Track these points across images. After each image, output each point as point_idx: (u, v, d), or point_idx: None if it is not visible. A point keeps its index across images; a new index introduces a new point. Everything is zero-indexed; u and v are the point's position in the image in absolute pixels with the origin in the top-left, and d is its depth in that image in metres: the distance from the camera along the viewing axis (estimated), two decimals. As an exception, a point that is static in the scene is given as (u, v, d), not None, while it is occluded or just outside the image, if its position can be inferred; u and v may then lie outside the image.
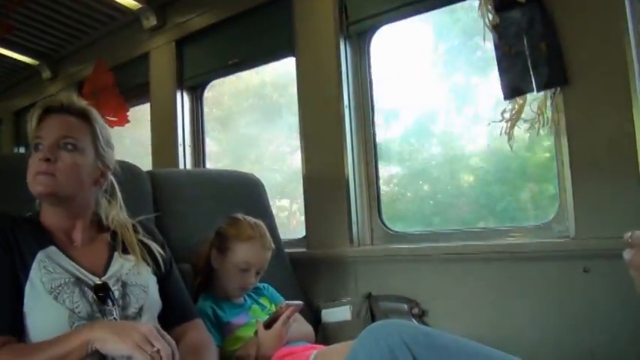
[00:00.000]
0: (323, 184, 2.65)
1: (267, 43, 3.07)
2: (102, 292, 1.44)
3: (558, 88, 1.99)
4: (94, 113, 1.57)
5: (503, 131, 2.08)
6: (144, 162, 3.37)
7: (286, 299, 2.06)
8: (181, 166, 3.42)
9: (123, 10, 3.59)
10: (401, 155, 2.79)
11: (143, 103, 3.84)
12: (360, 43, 2.68)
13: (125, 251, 1.58)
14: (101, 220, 1.62)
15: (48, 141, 1.46)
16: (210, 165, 3.57)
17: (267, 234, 2.05)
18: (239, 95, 3.77)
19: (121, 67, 3.88)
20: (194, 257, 2.08)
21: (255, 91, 3.70)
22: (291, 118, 3.17)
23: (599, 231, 1.88)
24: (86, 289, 1.42)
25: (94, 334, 1.24)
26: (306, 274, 2.60)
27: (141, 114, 3.91)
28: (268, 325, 1.88)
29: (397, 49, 2.70)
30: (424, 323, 2.23)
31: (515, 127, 2.07)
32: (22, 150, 4.77)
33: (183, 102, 3.48)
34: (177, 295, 1.70)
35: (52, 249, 1.45)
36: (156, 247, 1.66)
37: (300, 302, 2.00)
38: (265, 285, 2.17)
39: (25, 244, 1.42)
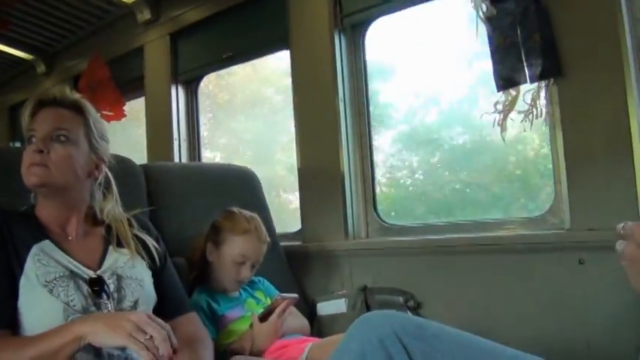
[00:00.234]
0: (318, 178, 2.65)
1: (261, 37, 3.06)
2: (97, 286, 1.44)
3: (552, 80, 1.99)
4: (88, 106, 1.58)
5: (496, 123, 2.08)
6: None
7: (281, 292, 2.06)
8: (176, 161, 3.41)
9: (117, 3, 3.59)
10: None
11: (138, 97, 3.84)
12: (355, 35, 2.68)
13: (120, 245, 1.59)
14: (96, 214, 1.62)
15: (41, 133, 1.47)
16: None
17: (263, 227, 2.06)
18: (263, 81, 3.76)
19: (115, 61, 3.87)
20: (189, 251, 2.09)
21: (276, 80, 3.66)
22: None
23: (594, 222, 1.88)
24: (81, 282, 1.42)
25: (85, 327, 1.24)
26: (301, 268, 2.60)
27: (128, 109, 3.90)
28: (263, 318, 1.89)
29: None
30: (419, 315, 2.23)
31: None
32: (17, 145, 4.75)
33: (178, 96, 3.47)
34: (172, 289, 1.71)
35: (47, 242, 1.45)
36: (150, 241, 1.67)
37: (295, 295, 2.00)
38: (260, 278, 2.17)
39: (20, 238, 1.42)
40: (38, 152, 1.44)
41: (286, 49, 2.85)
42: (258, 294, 2.11)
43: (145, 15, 3.54)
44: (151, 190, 2.18)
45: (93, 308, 1.40)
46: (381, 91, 2.78)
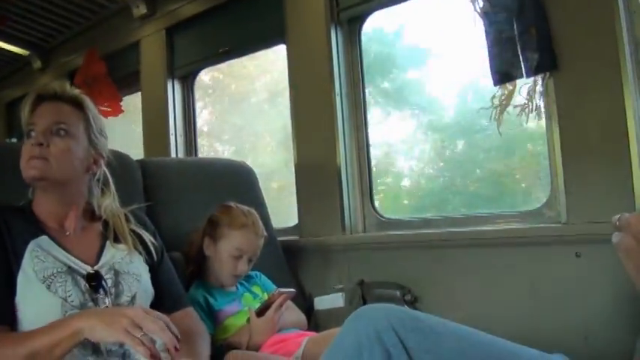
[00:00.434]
0: (315, 172, 2.65)
1: (258, 31, 3.05)
2: (94, 281, 1.45)
3: (548, 74, 1.99)
4: (87, 101, 1.58)
5: (492, 117, 2.08)
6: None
7: (278, 287, 2.06)
8: (173, 156, 3.41)
9: (113, -2, 3.57)
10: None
11: (134, 92, 3.83)
12: (351, 29, 2.67)
13: (117, 240, 1.59)
14: (93, 210, 1.62)
15: (41, 127, 1.47)
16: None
17: (260, 221, 2.06)
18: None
19: (111, 56, 3.85)
20: (186, 245, 2.09)
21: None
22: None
23: (591, 216, 1.88)
24: (78, 277, 1.43)
25: (82, 323, 1.23)
26: (298, 262, 2.61)
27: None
28: (260, 312, 1.89)
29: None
30: (416, 309, 2.23)
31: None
32: (14, 141, 4.74)
33: (174, 91, 3.47)
34: (169, 284, 1.71)
35: (44, 238, 1.46)
36: (147, 236, 1.67)
37: (292, 290, 2.01)
38: (257, 273, 2.17)
39: (17, 234, 1.42)
40: (38, 145, 1.44)
41: (283, 43, 2.84)
42: (255, 289, 2.11)
43: (141, 9, 3.51)
44: (148, 185, 2.18)
45: (90, 304, 1.41)
46: (417, 78, 2.72)
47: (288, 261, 2.53)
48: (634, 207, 1.78)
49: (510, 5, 2.01)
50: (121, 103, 3.83)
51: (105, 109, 3.67)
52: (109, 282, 1.47)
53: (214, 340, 1.81)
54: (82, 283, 1.42)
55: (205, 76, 3.79)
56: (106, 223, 1.61)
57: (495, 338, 1.16)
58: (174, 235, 2.05)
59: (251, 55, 3.37)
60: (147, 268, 1.62)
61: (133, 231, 1.65)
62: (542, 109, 2.03)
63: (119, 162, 1.79)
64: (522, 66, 1.99)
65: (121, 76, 3.82)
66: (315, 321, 2.33)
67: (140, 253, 1.62)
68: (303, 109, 2.72)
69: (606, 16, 1.85)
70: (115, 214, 1.64)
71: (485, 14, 2.07)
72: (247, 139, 3.89)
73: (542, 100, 2.02)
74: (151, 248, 1.65)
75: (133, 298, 1.50)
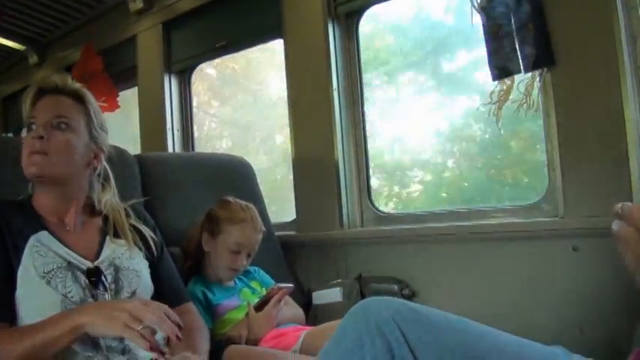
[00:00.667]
0: (313, 167, 2.65)
1: (255, 26, 3.04)
2: (94, 277, 1.45)
3: (545, 69, 1.99)
4: (88, 95, 1.58)
5: (491, 113, 2.08)
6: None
7: (277, 282, 2.06)
8: (170, 151, 3.40)
9: (110, -8, 3.56)
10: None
11: (131, 87, 3.82)
12: (349, 24, 2.67)
13: (117, 236, 1.59)
14: (94, 205, 1.62)
15: (41, 120, 1.47)
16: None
17: (258, 216, 2.06)
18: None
19: (108, 51, 3.84)
20: (184, 240, 2.09)
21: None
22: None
23: (588, 210, 1.89)
24: (78, 273, 1.43)
25: (83, 318, 1.24)
26: (296, 257, 2.61)
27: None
28: (259, 307, 1.90)
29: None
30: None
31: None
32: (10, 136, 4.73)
33: (171, 85, 3.46)
34: (169, 279, 1.71)
35: (44, 233, 1.45)
36: (147, 232, 1.67)
37: (290, 285, 2.01)
38: (256, 268, 2.18)
39: (17, 229, 1.42)
40: (38, 138, 1.44)
41: (280, 38, 2.84)
42: (254, 284, 2.12)
43: (138, 4, 3.50)
44: (146, 181, 2.17)
45: (90, 299, 1.40)
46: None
47: (286, 256, 2.54)
48: (631, 201, 1.78)
49: (508, 1, 2.02)
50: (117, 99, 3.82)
51: (101, 104, 3.65)
52: (109, 278, 1.47)
53: (213, 334, 1.81)
54: (82, 278, 1.42)
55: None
56: (105, 218, 1.61)
57: (495, 330, 1.15)
58: (173, 230, 2.05)
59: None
60: (147, 263, 1.62)
61: (133, 226, 1.65)
62: (540, 105, 2.03)
63: (117, 157, 1.79)
64: (520, 61, 2.00)
65: (117, 71, 3.81)
66: (313, 315, 2.33)
67: (140, 249, 1.62)
68: (301, 103, 2.72)
69: (604, 11, 1.85)
70: (115, 209, 1.64)
71: (483, 9, 2.07)
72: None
73: (540, 95, 2.02)
74: (151, 243, 1.65)
75: (133, 293, 1.50)
